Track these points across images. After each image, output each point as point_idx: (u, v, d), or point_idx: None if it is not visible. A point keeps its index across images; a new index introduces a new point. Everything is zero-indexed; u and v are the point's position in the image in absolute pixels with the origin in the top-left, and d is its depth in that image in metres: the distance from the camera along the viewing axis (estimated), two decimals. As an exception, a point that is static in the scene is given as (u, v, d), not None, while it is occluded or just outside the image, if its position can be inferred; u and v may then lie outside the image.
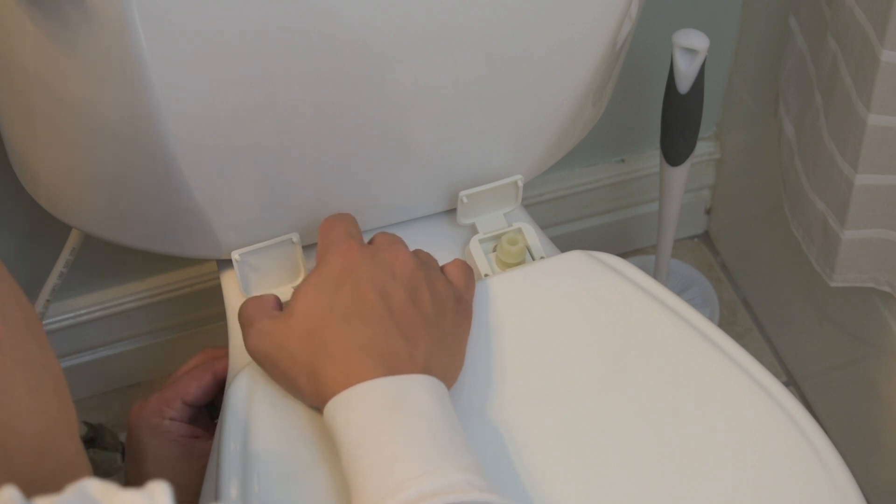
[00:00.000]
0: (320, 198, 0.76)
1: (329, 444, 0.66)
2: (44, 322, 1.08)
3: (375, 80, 0.69)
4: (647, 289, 0.75)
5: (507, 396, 0.70)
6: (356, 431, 0.61)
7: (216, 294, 0.82)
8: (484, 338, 0.73)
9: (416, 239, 0.78)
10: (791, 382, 1.24)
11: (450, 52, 0.70)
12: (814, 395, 1.21)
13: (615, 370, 0.72)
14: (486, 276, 0.78)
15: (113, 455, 0.95)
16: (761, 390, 0.70)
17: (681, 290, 1.30)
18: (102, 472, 0.94)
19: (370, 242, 0.72)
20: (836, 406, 1.17)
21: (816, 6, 0.94)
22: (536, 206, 1.23)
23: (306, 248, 0.79)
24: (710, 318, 1.21)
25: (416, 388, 0.63)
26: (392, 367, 0.63)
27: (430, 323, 0.67)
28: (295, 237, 0.77)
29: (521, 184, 0.81)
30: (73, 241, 0.92)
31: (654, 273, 1.16)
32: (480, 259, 0.79)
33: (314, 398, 0.65)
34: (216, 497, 0.68)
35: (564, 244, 0.83)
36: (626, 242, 1.34)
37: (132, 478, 0.80)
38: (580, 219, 1.28)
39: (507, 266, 0.79)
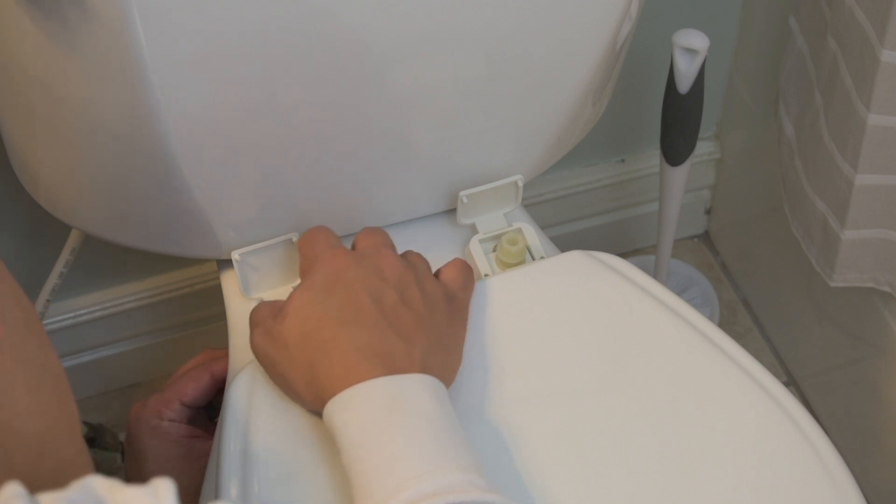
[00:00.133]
0: (320, 198, 0.76)
1: (329, 444, 0.66)
2: (44, 322, 1.08)
3: (375, 80, 0.69)
4: (647, 289, 0.75)
5: (507, 396, 0.70)
6: (356, 432, 0.61)
7: (216, 294, 0.82)
8: (484, 338, 0.73)
9: (417, 239, 0.78)
10: (791, 382, 1.24)
11: (450, 52, 0.70)
12: (814, 395, 1.21)
13: (615, 370, 0.72)
14: (486, 276, 0.78)
15: (113, 455, 0.95)
16: (761, 390, 0.70)
17: (681, 290, 1.30)
18: (102, 472, 0.93)
19: (353, 247, 0.72)
20: (836, 406, 1.17)
21: (816, 6, 0.94)
22: (536, 206, 1.23)
23: (306, 248, 0.79)
24: (710, 318, 1.21)
25: (416, 388, 0.63)
26: (391, 366, 0.63)
27: (425, 323, 0.67)
28: (295, 237, 0.77)
29: (521, 184, 0.81)
30: (73, 241, 0.92)
31: (654, 273, 1.16)
32: (480, 259, 0.79)
33: (313, 401, 0.65)
34: (216, 497, 0.68)
35: (564, 244, 0.83)
36: (626, 242, 1.34)
37: (132, 479, 0.80)
38: (580, 219, 1.28)
39: (507, 266, 0.79)
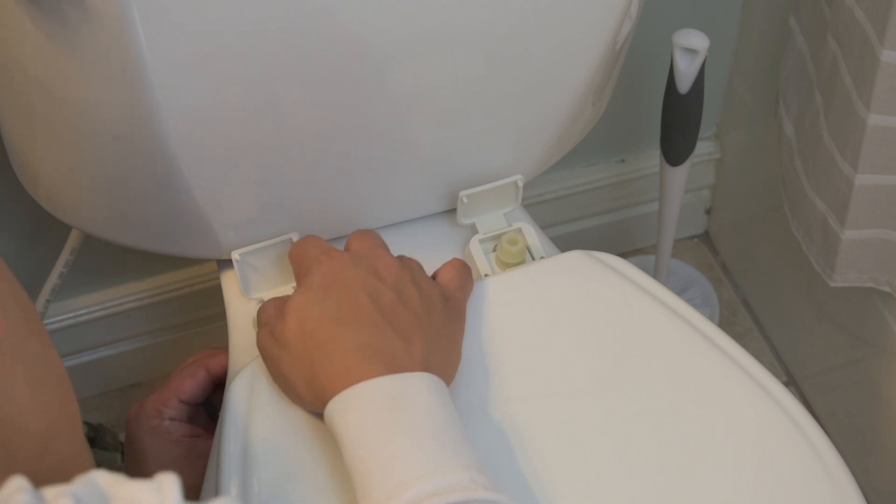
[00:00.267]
0: (320, 197, 0.76)
1: (329, 444, 0.66)
2: (44, 322, 1.08)
3: (375, 80, 0.69)
4: (647, 289, 0.75)
5: (507, 396, 0.70)
6: (357, 431, 0.61)
7: (216, 294, 0.82)
8: (484, 338, 0.73)
9: (416, 239, 0.78)
10: (791, 382, 1.24)
11: (450, 52, 0.70)
12: (814, 395, 1.21)
13: (615, 370, 0.72)
14: (485, 275, 0.78)
15: (113, 455, 0.95)
16: (761, 390, 0.70)
17: (681, 290, 1.30)
18: (103, 472, 0.94)
19: (345, 249, 0.72)
20: (836, 406, 1.17)
21: (816, 6, 0.94)
22: (536, 206, 1.23)
23: (306, 247, 0.79)
24: (710, 318, 1.21)
25: (417, 386, 0.63)
26: (391, 366, 0.63)
27: (423, 322, 0.67)
28: (295, 237, 0.77)
29: (521, 184, 0.81)
30: (73, 241, 0.93)
31: (654, 273, 1.16)
32: (480, 259, 0.79)
33: (314, 402, 0.65)
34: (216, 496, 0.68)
35: (564, 244, 0.83)
36: (626, 242, 1.34)
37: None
38: (580, 219, 1.28)
39: (507, 266, 0.79)
